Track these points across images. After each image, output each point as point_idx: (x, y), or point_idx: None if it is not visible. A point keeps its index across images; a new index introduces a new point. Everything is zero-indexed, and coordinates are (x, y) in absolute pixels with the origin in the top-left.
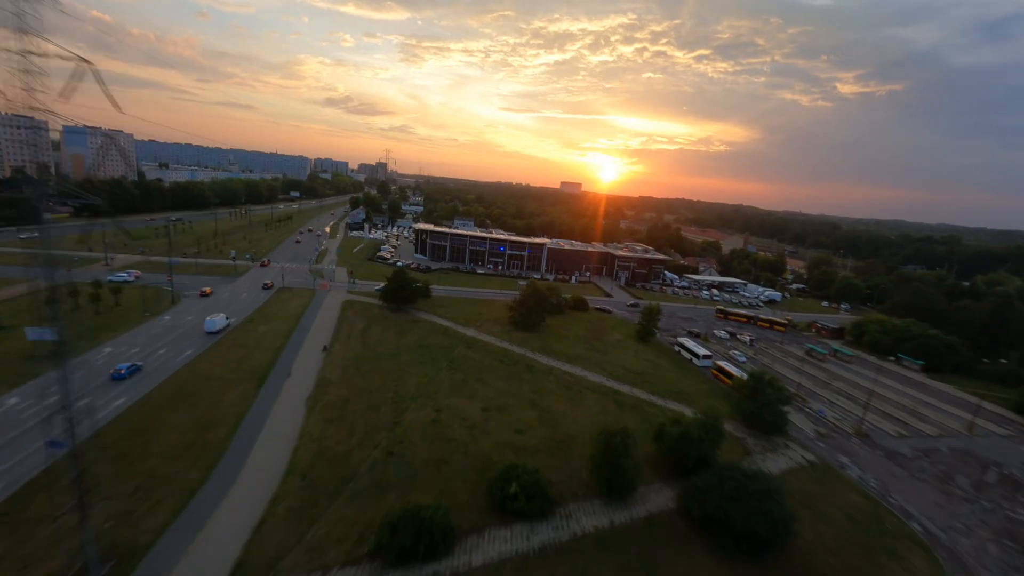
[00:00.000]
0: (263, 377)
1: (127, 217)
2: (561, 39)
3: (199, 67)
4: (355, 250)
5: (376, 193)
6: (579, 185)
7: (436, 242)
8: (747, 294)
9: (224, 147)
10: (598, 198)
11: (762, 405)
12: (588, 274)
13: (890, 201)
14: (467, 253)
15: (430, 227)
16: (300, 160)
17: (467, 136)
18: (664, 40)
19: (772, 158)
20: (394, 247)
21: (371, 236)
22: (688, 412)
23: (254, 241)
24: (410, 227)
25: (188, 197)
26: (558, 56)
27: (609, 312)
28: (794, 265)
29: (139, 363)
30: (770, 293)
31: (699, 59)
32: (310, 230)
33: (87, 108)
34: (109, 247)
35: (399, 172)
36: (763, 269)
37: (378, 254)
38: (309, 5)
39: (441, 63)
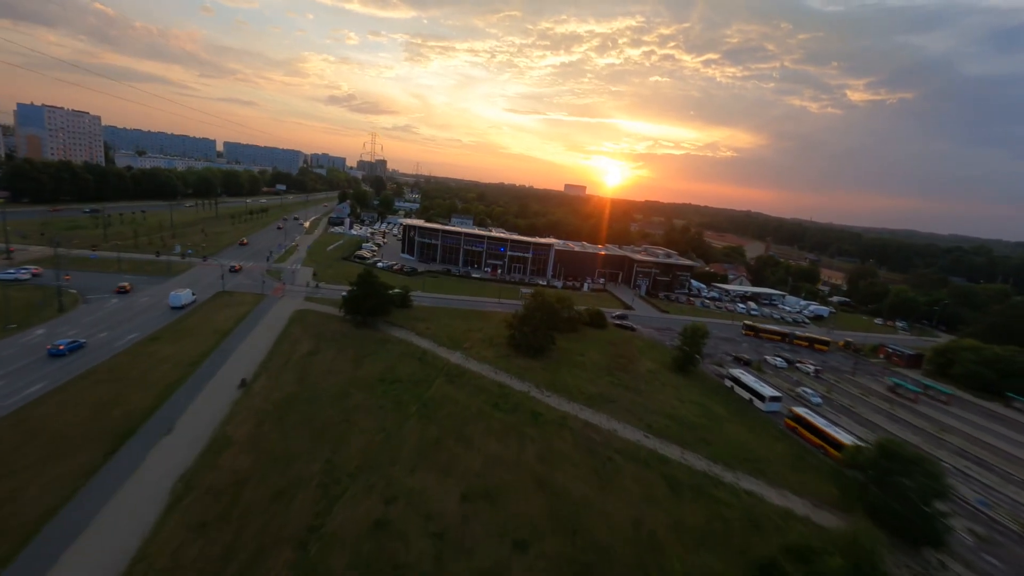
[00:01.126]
0: (128, 434)
1: (68, 206)
2: (568, 41)
3: (201, 62)
4: (330, 248)
5: (370, 189)
6: (583, 188)
7: (425, 240)
8: (788, 307)
9: (211, 138)
10: (604, 201)
11: (901, 498)
12: (602, 281)
13: (900, 210)
14: (461, 253)
15: (419, 223)
16: (292, 154)
17: (471, 137)
18: (672, 43)
19: (779, 165)
20: (378, 245)
21: (353, 232)
22: (772, 493)
23: (213, 235)
24: (399, 224)
25: (154, 185)
26: (564, 58)
27: (633, 330)
28: (829, 276)
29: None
30: (816, 307)
31: (707, 63)
32: (296, 218)
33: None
34: (17, 237)
35: (401, 171)
36: (798, 279)
37: (356, 253)
38: (314, 2)
39: (446, 63)
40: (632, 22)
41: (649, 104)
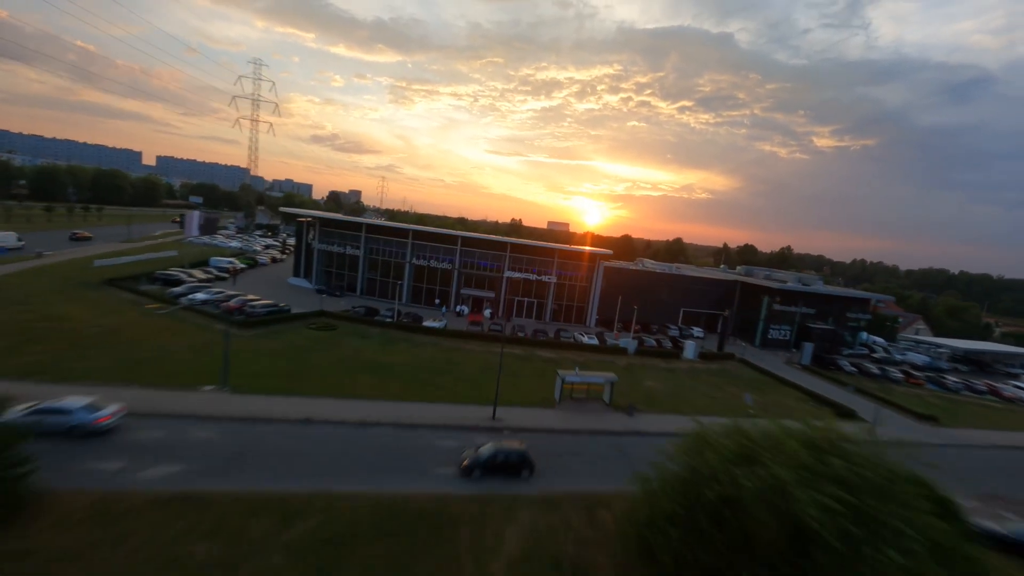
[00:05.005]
0: None
1: None
2: (548, 86)
3: (184, 101)
4: (104, 262)
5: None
6: (567, 225)
7: (331, 247)
8: None
9: (137, 149)
10: (589, 237)
11: None
12: (698, 332)
13: (870, 249)
14: (407, 274)
15: (323, 214)
16: (235, 171)
17: (454, 177)
18: (648, 91)
19: (753, 206)
20: (251, 263)
21: (215, 242)
22: None
23: None
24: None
25: None
26: (545, 103)
27: None
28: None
29: None
30: None
31: (682, 110)
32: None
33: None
34: None
35: (378, 207)
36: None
37: (163, 272)
38: (300, 45)
39: (430, 105)
40: (610, 70)
41: (627, 147)
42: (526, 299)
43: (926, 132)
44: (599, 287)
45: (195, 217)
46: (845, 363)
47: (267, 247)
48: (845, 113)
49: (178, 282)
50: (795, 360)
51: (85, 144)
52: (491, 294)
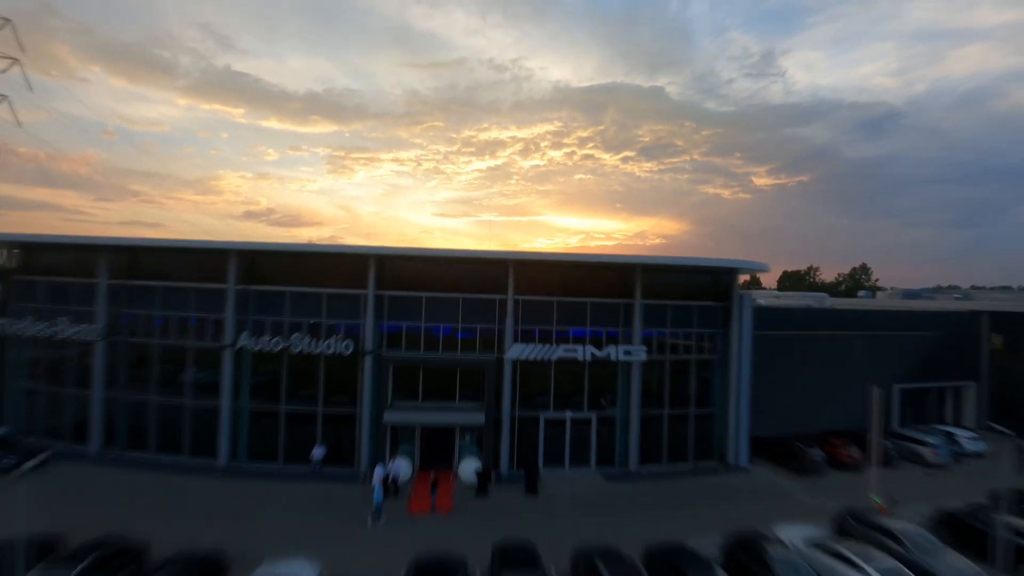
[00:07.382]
0: None
1: None
2: (492, 146)
3: (97, 186)
4: None
5: None
6: None
7: (31, 327)
8: None
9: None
10: None
11: None
12: (976, 440)
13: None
14: (225, 384)
15: (23, 236)
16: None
17: (401, 243)
18: (591, 144)
19: (704, 248)
20: None
21: None
22: None
23: None
24: None
25: None
26: (490, 162)
27: None
28: None
29: None
30: None
31: (625, 160)
32: None
33: None
34: None
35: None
36: None
37: None
38: (229, 121)
39: (371, 173)
40: (551, 127)
41: (576, 200)
42: (569, 413)
43: (852, 165)
44: (747, 358)
45: None
46: None
47: None
48: (777, 152)
49: None
50: None
51: None
52: (477, 416)
